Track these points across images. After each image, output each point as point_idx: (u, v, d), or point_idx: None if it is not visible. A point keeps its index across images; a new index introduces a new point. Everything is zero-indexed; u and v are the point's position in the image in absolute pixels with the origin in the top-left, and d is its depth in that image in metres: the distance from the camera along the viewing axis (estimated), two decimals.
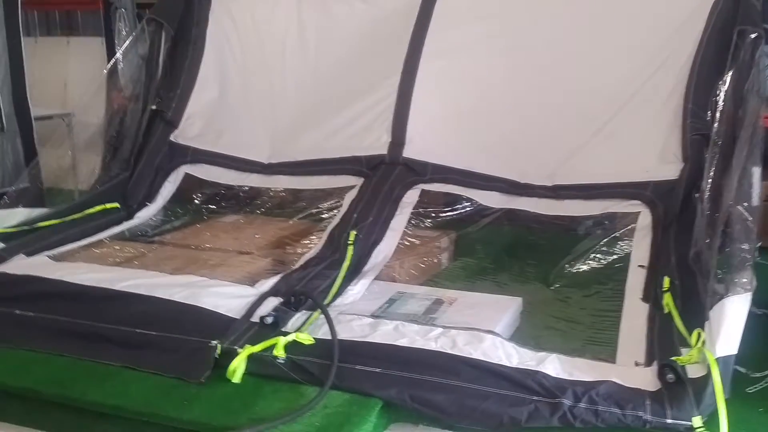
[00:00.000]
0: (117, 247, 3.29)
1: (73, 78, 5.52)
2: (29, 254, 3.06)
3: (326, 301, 2.70)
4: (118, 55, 4.00)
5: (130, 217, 3.62)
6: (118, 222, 3.56)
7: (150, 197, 3.74)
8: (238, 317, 2.54)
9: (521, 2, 3.63)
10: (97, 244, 3.31)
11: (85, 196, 3.64)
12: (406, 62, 3.69)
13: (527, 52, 3.56)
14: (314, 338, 2.41)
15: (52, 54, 5.56)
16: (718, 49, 3.09)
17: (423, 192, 3.47)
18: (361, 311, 2.69)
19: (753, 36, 2.91)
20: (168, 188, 3.82)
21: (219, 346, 2.35)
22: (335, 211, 3.53)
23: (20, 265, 2.92)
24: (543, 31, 3.54)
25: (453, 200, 3.54)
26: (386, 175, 3.48)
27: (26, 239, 3.17)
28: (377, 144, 3.60)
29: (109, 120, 3.98)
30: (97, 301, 2.62)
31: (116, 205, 3.59)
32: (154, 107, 3.92)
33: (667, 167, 3.12)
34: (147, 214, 3.68)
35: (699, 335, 2.22)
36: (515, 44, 3.59)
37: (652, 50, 3.31)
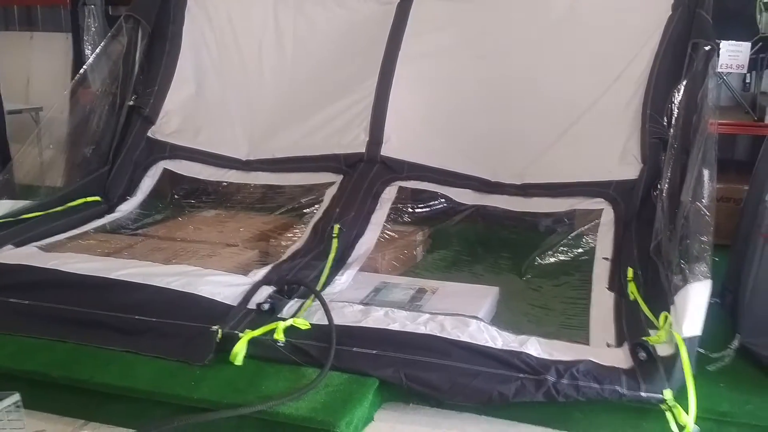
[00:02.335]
0: (103, 239, 3.33)
1: (37, 73, 5.44)
2: (17, 245, 3.09)
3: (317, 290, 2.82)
4: (96, 52, 4.00)
5: (111, 210, 3.66)
6: (100, 215, 3.60)
7: (130, 191, 3.79)
8: (234, 304, 2.65)
9: (493, 11, 3.83)
10: (83, 236, 3.35)
11: (66, 189, 3.64)
12: (383, 65, 3.85)
13: (499, 58, 3.77)
14: (310, 323, 2.54)
15: (15, 48, 5.46)
16: (674, 60, 3.36)
17: (400, 189, 3.63)
18: (350, 299, 2.83)
19: (706, 48, 3.19)
20: (147, 183, 3.86)
21: (220, 330, 2.46)
22: (315, 206, 3.66)
23: (10, 255, 2.96)
24: (514, 38, 3.76)
25: (428, 197, 3.71)
26: (365, 172, 3.62)
27: (12, 230, 3.18)
28: (356, 142, 3.74)
29: (82, 116, 3.97)
30: (94, 290, 2.68)
31: (97, 198, 3.62)
32: (131, 103, 3.95)
33: (628, 168, 3.36)
34: (128, 207, 3.72)
35: (666, 318, 2.45)
36: (487, 50, 3.79)
37: (613, 59, 3.56)
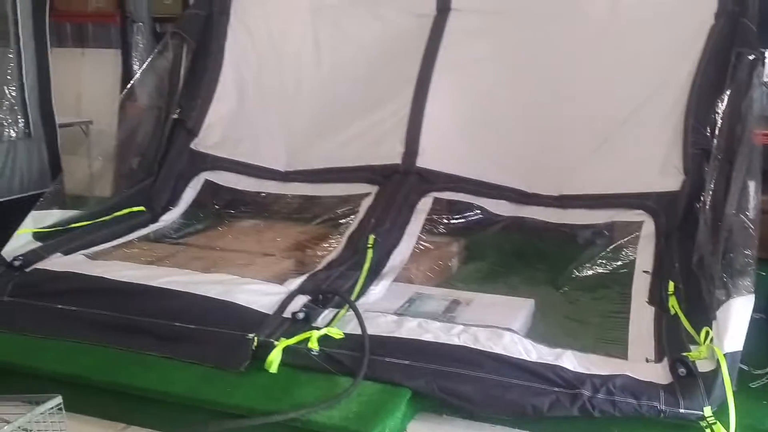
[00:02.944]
0: (146, 248, 3.43)
1: (88, 88, 5.65)
2: (66, 253, 3.19)
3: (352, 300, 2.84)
4: (144, 67, 4.14)
5: (154, 220, 3.75)
6: (144, 225, 3.69)
7: (173, 202, 3.87)
8: (270, 313, 2.69)
9: (530, 21, 3.82)
10: (128, 245, 3.46)
11: (113, 199, 3.76)
12: (420, 76, 3.87)
13: (535, 68, 3.75)
14: (344, 333, 2.57)
15: (67, 64, 5.66)
16: (717, 69, 3.29)
17: (435, 200, 3.63)
18: (384, 309, 2.84)
19: (750, 58, 3.12)
20: (189, 193, 3.95)
21: (256, 338, 2.50)
22: (351, 217, 3.69)
23: (59, 263, 3.07)
24: (551, 49, 3.73)
25: (464, 208, 3.70)
26: (400, 183, 3.64)
27: (61, 239, 3.29)
28: (391, 154, 3.77)
29: (129, 129, 4.10)
30: (137, 297, 2.76)
31: (142, 208, 3.72)
32: (175, 116, 4.06)
33: (669, 179, 3.30)
34: (170, 217, 3.80)
35: (707, 333, 2.39)
36: (524, 61, 3.78)
37: (655, 68, 3.50)
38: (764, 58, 3.17)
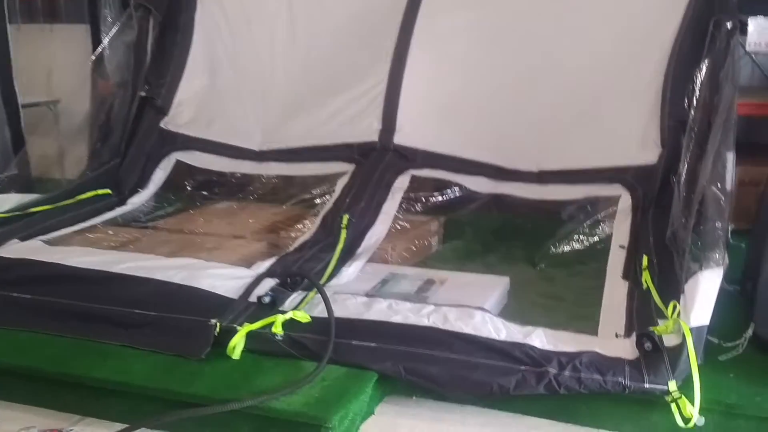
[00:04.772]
0: (111, 232, 3.34)
1: (57, 65, 5.48)
2: (23, 239, 3.10)
3: (322, 282, 2.78)
4: (105, 42, 4.00)
5: (122, 203, 3.66)
6: (111, 208, 3.60)
7: (142, 184, 3.78)
8: (235, 297, 2.62)
9: None
10: (91, 230, 3.35)
11: (76, 182, 3.66)
12: (396, 50, 3.75)
13: (514, 41, 3.64)
14: (311, 316, 2.50)
15: (36, 41, 5.51)
16: (696, 39, 3.20)
17: (413, 177, 3.55)
18: (355, 291, 2.78)
19: (728, 26, 3.02)
20: (159, 175, 3.85)
21: (218, 324, 2.42)
22: (327, 196, 3.61)
23: (15, 250, 2.97)
24: (529, 21, 3.63)
25: (442, 186, 3.63)
26: (377, 161, 3.56)
27: (19, 224, 3.19)
28: (368, 131, 3.67)
29: (97, 107, 3.99)
30: (95, 284, 2.68)
31: (108, 191, 3.63)
32: (143, 94, 3.95)
33: (647, 152, 3.23)
34: (139, 200, 3.72)
35: (674, 307, 2.35)
36: (502, 33, 3.67)
37: (633, 40, 3.41)
38: (746, 25, 3.08)
